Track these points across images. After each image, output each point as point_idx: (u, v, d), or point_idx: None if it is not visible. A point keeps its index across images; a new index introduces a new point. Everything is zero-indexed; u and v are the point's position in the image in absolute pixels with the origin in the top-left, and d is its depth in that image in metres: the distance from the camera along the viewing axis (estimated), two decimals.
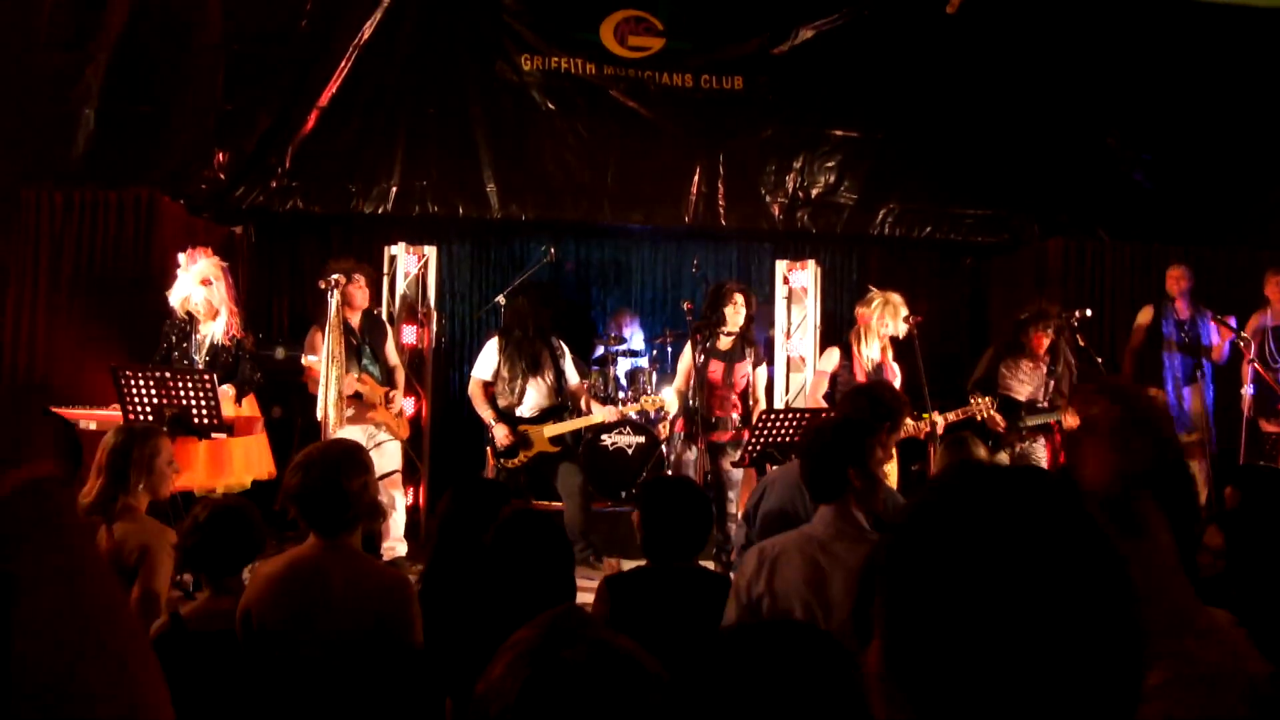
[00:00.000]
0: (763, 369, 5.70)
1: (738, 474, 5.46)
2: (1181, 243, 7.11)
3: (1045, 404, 5.60)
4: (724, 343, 5.51)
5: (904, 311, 5.42)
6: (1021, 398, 5.61)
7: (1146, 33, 7.12)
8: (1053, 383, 5.64)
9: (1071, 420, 5.26)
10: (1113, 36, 7.13)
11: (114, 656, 0.93)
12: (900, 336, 5.45)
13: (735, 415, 5.53)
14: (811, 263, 6.97)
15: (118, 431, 3.22)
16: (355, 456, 2.50)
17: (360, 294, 5.58)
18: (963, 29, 6.98)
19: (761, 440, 4.65)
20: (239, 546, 2.62)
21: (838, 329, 6.66)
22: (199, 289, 5.13)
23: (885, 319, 5.38)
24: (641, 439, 6.24)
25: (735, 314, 5.47)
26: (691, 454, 5.53)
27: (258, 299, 7.02)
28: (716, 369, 5.50)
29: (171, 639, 2.41)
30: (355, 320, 5.61)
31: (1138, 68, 7.13)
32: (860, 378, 5.26)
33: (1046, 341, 5.60)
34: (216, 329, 5.19)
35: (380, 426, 5.64)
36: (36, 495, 0.98)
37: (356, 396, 5.48)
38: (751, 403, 5.55)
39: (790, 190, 7.09)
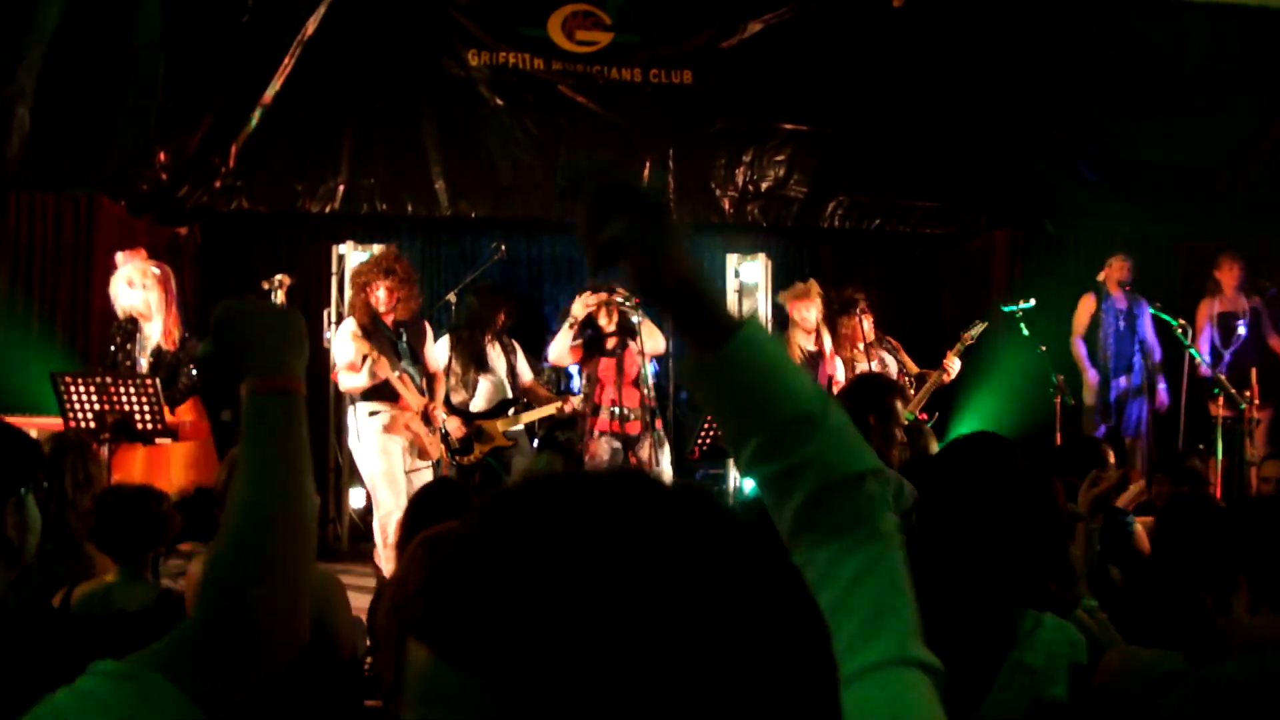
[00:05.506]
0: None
1: (665, 468, 5.37)
2: (1125, 234, 7.22)
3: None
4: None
5: (818, 302, 5.70)
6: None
7: (1088, 24, 7.22)
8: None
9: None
10: (1055, 28, 7.21)
11: None
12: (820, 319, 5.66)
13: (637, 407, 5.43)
14: (762, 256, 7.01)
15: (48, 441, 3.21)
16: None
17: (387, 295, 5.19)
18: (909, 21, 7.03)
19: (714, 433, 4.68)
20: (139, 532, 2.63)
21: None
22: (126, 290, 5.03)
23: (800, 310, 5.55)
24: None
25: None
26: (604, 448, 5.44)
27: (207, 300, 6.91)
28: (608, 364, 5.47)
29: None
30: (389, 320, 5.26)
31: (1080, 59, 7.23)
32: None
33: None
34: (155, 331, 5.10)
35: (413, 441, 5.24)
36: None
37: (392, 398, 5.16)
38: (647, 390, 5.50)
39: (740, 184, 7.11)
